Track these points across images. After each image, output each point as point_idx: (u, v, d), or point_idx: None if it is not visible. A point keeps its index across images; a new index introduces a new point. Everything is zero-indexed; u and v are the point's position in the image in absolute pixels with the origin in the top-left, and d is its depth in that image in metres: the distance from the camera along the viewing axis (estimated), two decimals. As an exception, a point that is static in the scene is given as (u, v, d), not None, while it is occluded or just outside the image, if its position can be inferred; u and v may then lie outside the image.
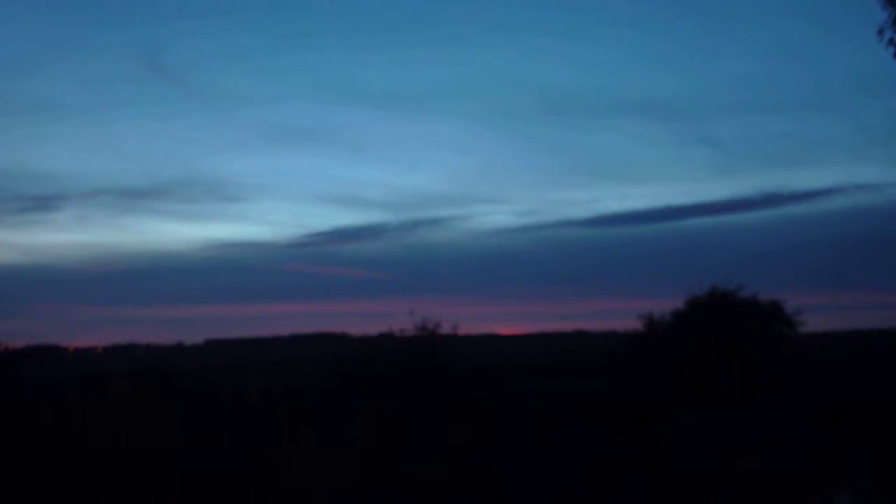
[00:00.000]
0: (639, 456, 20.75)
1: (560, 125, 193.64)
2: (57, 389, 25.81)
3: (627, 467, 19.20)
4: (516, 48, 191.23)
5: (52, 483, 15.51)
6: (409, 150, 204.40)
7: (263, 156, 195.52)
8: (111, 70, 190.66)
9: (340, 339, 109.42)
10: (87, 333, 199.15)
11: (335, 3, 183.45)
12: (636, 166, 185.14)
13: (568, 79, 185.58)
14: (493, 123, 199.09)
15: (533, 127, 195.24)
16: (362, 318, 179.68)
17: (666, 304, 35.86)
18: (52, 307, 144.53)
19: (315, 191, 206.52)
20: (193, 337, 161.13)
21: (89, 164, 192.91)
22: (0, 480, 15.38)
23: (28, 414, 19.74)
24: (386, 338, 31.11)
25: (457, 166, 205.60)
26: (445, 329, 29.44)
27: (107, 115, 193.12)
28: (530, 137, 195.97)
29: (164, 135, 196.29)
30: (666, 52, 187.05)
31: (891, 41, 8.22)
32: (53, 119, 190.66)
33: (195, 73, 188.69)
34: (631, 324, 32.40)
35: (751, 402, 27.79)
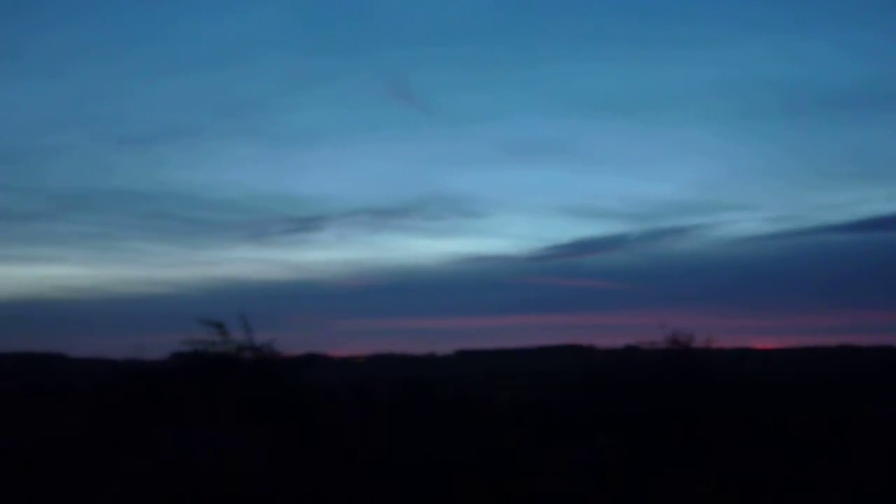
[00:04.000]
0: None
1: (814, 123, 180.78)
2: (330, 395, 28.10)
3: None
4: (757, 45, 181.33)
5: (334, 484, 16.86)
6: (648, 158, 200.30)
7: (502, 170, 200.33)
8: (360, 97, 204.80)
9: (587, 352, 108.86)
10: (348, 343, 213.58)
11: (563, 15, 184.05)
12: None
13: (823, 74, 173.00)
14: (737, 125, 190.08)
15: (781, 128, 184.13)
16: (606, 331, 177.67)
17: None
18: (317, 319, 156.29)
19: (554, 203, 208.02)
20: (444, 348, 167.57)
21: (346, 187, 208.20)
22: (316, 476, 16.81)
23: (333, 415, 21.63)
24: (633, 350, 30.68)
25: (700, 172, 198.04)
26: (698, 342, 28.45)
27: (358, 140, 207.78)
28: (779, 138, 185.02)
29: (410, 156, 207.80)
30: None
31: None
32: (312, 146, 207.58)
33: (436, 95, 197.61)
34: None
35: None
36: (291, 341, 20.77)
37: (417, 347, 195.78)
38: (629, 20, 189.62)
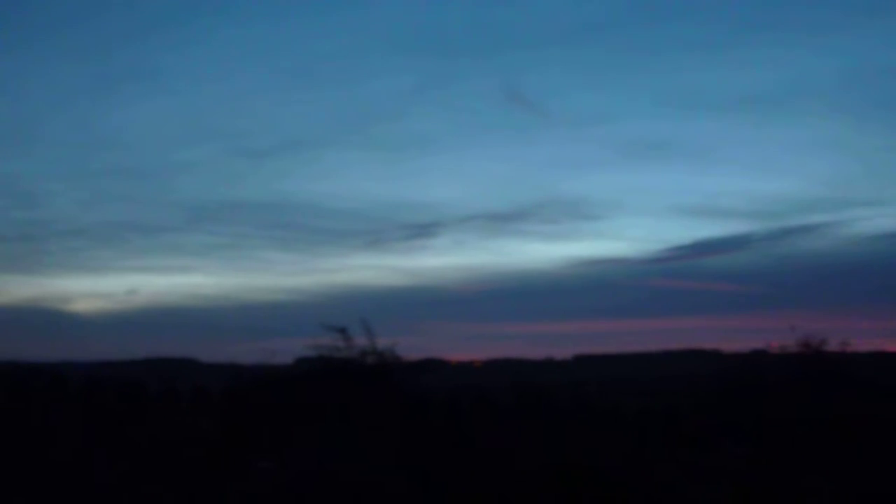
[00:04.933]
0: None
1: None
2: (450, 399, 28.26)
3: None
4: (890, 31, 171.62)
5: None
6: (772, 154, 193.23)
7: (618, 172, 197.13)
8: (475, 103, 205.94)
9: (712, 356, 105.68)
10: (465, 348, 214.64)
11: (678, 13, 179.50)
12: None
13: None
14: (870, 117, 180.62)
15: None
16: (732, 334, 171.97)
17: None
18: (434, 324, 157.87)
19: (672, 203, 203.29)
20: (562, 352, 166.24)
21: (461, 192, 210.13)
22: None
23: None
24: (761, 355, 29.49)
25: (830, 167, 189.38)
26: (832, 346, 27.02)
27: (472, 145, 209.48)
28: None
29: (524, 159, 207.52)
30: None
31: None
32: (427, 153, 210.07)
33: (550, 98, 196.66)
34: None
35: None
36: (409, 346, 21.00)
37: (535, 352, 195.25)
38: (747, 10, 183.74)
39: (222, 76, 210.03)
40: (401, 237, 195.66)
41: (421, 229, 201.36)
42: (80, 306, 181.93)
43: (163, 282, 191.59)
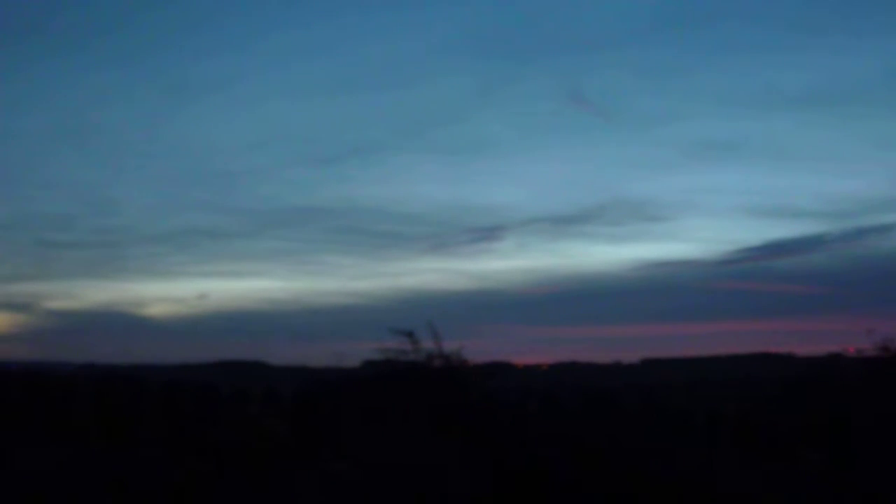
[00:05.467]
0: None
1: None
2: (517, 402, 28.26)
3: None
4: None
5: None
6: (846, 152, 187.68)
7: (685, 173, 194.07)
8: (537, 105, 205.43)
9: (785, 360, 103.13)
10: (531, 351, 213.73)
11: (744, 8, 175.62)
12: None
13: None
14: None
15: None
16: (805, 337, 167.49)
17: None
18: (500, 327, 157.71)
19: (741, 204, 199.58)
20: (630, 356, 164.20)
21: (524, 195, 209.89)
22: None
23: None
24: (837, 358, 28.71)
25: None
26: (913, 350, 26.12)
27: (536, 147, 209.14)
28: None
29: (588, 161, 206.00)
30: None
31: None
32: (491, 155, 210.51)
33: (612, 99, 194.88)
34: None
35: None
36: (476, 350, 21.07)
37: (601, 356, 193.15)
38: (817, 7, 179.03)
39: (288, 83, 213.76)
40: (465, 240, 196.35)
41: (485, 232, 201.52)
42: (155, 310, 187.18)
43: (233, 286, 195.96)
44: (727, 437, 27.38)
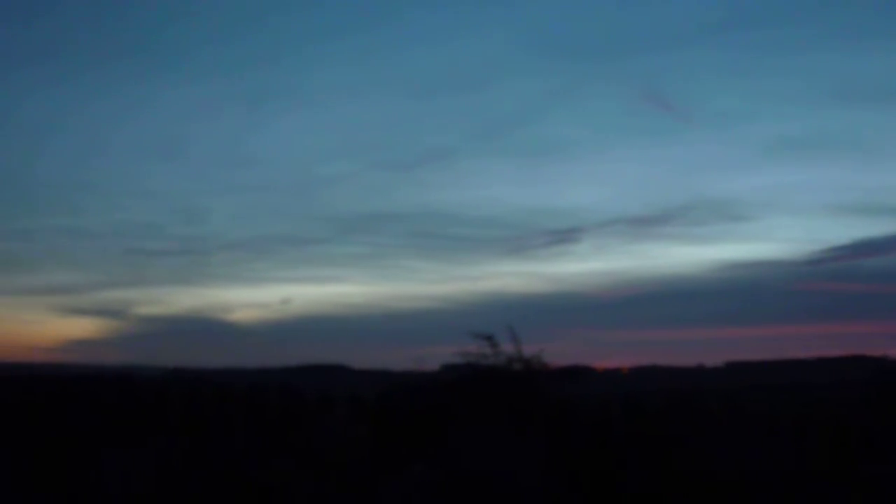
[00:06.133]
0: None
1: None
2: (599, 407, 27.98)
3: None
4: None
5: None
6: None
7: (767, 172, 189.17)
8: (613, 106, 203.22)
9: (879, 363, 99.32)
10: (611, 355, 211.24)
11: (816, 6, 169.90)
12: None
13: None
14: None
15: None
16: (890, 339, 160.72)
17: None
18: (578, 331, 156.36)
19: (827, 202, 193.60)
20: (713, 359, 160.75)
21: (601, 196, 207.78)
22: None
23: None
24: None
25: None
26: None
27: (611, 148, 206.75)
28: None
29: (666, 161, 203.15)
30: None
31: None
32: (567, 157, 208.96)
33: (690, 98, 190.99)
34: None
35: None
36: (555, 353, 20.96)
37: (684, 359, 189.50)
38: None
39: (363, 89, 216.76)
40: (542, 243, 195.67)
41: (562, 235, 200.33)
42: (239, 316, 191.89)
43: (314, 291, 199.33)
44: (817, 441, 26.50)
